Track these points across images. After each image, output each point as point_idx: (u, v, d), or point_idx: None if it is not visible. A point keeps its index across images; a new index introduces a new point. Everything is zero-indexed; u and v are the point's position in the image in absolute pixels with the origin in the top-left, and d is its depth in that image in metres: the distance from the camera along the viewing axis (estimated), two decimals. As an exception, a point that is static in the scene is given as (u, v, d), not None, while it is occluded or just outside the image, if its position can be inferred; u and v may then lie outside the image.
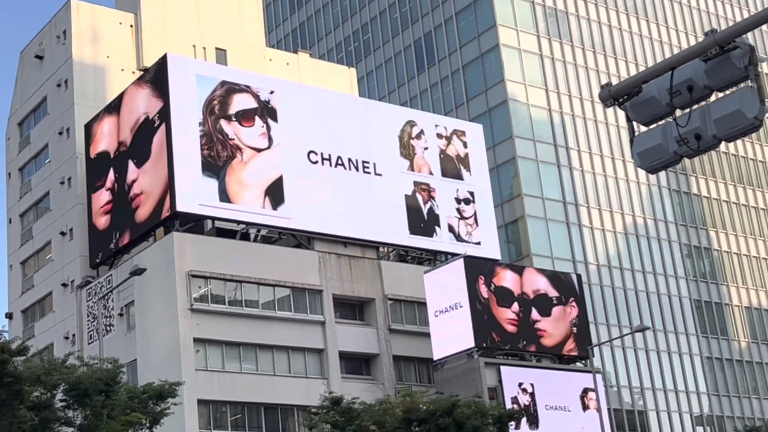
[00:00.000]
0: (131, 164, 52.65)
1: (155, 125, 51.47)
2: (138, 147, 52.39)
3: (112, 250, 53.05)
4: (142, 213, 51.58)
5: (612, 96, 13.54)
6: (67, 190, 56.87)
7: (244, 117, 52.80)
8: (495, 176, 69.82)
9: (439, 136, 60.13)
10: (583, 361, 56.93)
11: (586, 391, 54.62)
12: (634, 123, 13.62)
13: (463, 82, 77.52)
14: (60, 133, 58.11)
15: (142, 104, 52.64)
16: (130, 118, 53.25)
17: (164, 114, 51.00)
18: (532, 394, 53.01)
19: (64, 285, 55.64)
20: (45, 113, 60.17)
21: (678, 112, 13.30)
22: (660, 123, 13.41)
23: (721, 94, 13.07)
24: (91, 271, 54.51)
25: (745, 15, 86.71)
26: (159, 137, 50.98)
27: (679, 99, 13.08)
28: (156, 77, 52.36)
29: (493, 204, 62.19)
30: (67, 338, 54.16)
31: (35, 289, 58.51)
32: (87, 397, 35.21)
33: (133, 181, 52.38)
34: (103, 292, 51.22)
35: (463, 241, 58.45)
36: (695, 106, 13.09)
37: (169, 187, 49.70)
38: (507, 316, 54.17)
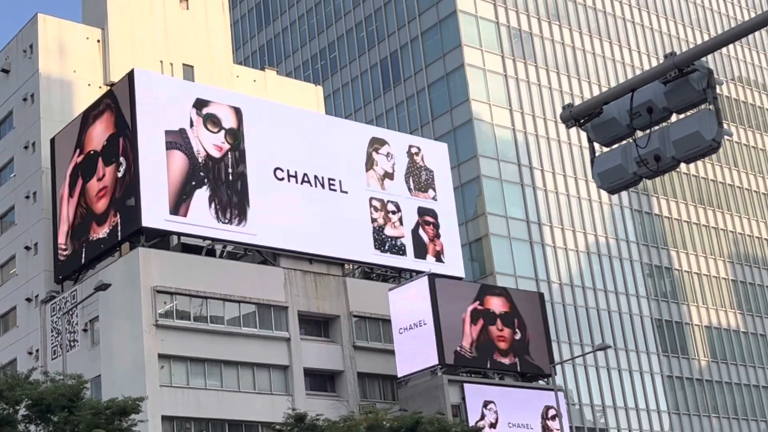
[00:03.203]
0: (100, 161, 52.80)
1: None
2: (110, 150, 52.58)
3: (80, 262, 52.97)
4: (101, 205, 51.75)
5: (573, 117, 13.77)
6: (32, 205, 56.62)
7: (212, 121, 52.94)
8: (459, 195, 70.34)
9: (405, 154, 60.51)
10: (546, 379, 57.38)
11: (548, 408, 55.04)
12: (595, 144, 13.89)
13: (429, 101, 78.07)
14: (26, 148, 57.87)
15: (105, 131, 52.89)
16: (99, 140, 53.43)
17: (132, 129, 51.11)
18: (495, 412, 53.37)
19: (28, 300, 55.30)
20: (11, 127, 59.91)
21: (638, 133, 13.58)
22: (620, 144, 13.69)
23: (681, 116, 13.39)
24: (56, 286, 54.25)
25: (706, 38, 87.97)
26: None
27: (639, 120, 13.30)
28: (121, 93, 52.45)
29: (458, 222, 62.58)
30: (30, 353, 53.80)
31: (-2, 304, 58.19)
32: (50, 413, 35.10)
33: (102, 176, 52.49)
34: (67, 307, 50.96)
35: (427, 258, 58.78)
36: (655, 128, 13.29)
37: (135, 203, 49.70)
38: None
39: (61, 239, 53.88)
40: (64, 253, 53.68)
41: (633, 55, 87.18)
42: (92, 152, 53.42)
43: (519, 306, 57.30)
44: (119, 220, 50.75)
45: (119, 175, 51.06)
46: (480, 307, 55.22)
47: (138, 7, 61.18)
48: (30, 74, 58.42)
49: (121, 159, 51.17)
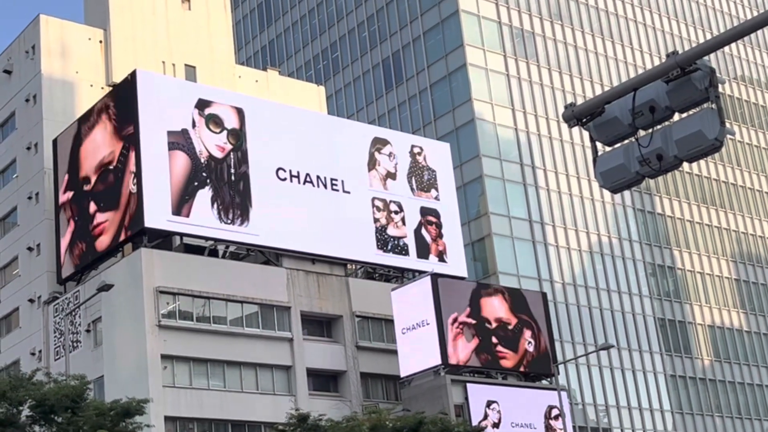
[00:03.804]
0: (92, 204, 52.74)
1: (120, 170, 51.48)
2: (103, 192, 52.42)
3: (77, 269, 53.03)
4: (102, 242, 51.78)
5: (575, 116, 13.73)
6: (35, 206, 56.66)
7: (214, 121, 52.97)
8: (462, 195, 70.29)
9: (407, 154, 60.50)
10: (549, 379, 57.33)
11: (551, 408, 54.99)
12: (598, 143, 13.86)
13: (431, 101, 78.04)
14: (28, 149, 57.92)
15: (106, 142, 52.73)
16: (93, 156, 53.27)
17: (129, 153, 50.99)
18: (498, 412, 53.32)
19: (31, 301, 55.33)
20: (13, 128, 59.95)
21: (640, 133, 13.54)
22: (622, 143, 13.67)
23: (683, 115, 13.35)
24: (59, 287, 54.26)
25: (708, 37, 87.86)
26: (126, 183, 50.99)
27: (641, 120, 13.24)
28: (123, 95, 52.43)
29: (460, 222, 62.52)
30: (33, 354, 53.80)
31: (1, 305, 58.08)
32: (53, 413, 35.09)
33: (95, 212, 52.45)
34: (70, 308, 51.00)
35: (429, 258, 58.76)
36: (657, 127, 13.26)
37: (138, 203, 49.71)
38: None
39: (65, 266, 53.80)
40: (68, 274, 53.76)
41: (635, 54, 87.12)
42: (84, 190, 53.17)
43: (533, 310, 57.01)
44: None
45: (132, 190, 50.69)
46: (471, 320, 54.56)
47: (140, 7, 61.21)
48: (32, 75, 58.46)
49: (133, 168, 50.90)
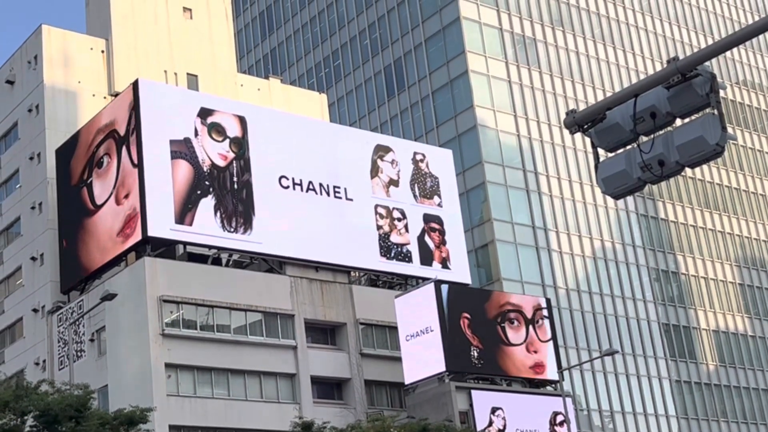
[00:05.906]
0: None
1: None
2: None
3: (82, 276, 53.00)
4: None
5: (577, 122, 13.76)
6: (38, 215, 56.68)
7: (216, 130, 53.02)
8: (465, 201, 70.26)
9: (410, 161, 60.53)
10: (553, 385, 57.28)
11: (556, 414, 54.94)
12: (599, 149, 13.87)
13: (433, 108, 78.07)
14: (31, 159, 57.97)
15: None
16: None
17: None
18: (503, 418, 53.28)
19: (35, 310, 55.34)
20: (16, 138, 60.01)
21: (642, 139, 13.55)
22: (624, 149, 13.67)
23: (684, 121, 13.37)
24: (62, 297, 54.30)
25: (709, 41, 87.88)
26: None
27: (643, 125, 13.27)
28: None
29: (463, 229, 62.55)
30: (37, 364, 53.81)
31: (5, 315, 58.16)
32: (57, 423, 35.04)
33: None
34: (73, 318, 50.95)
35: (433, 265, 58.75)
36: (658, 133, 13.29)
37: (141, 212, 49.77)
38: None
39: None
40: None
41: (636, 60, 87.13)
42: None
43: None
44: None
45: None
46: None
47: (142, 17, 61.30)
48: (35, 85, 58.52)
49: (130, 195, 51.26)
